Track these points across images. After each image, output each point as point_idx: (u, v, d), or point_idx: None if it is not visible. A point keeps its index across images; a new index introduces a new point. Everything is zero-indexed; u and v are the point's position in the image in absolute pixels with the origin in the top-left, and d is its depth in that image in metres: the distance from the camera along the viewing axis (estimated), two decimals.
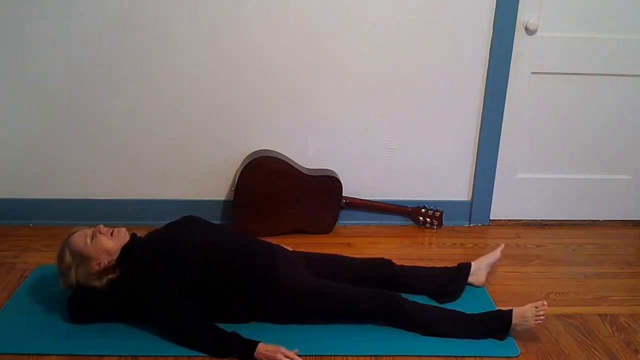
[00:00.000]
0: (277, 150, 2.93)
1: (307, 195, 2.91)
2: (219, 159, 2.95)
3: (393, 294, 2.22)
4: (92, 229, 2.20)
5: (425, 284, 2.41)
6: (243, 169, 2.82)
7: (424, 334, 2.17)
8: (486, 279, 2.52)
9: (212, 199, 3.01)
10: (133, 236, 2.26)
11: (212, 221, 2.43)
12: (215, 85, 2.82)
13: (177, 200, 3.00)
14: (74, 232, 2.21)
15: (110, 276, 2.17)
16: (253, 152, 2.91)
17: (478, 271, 2.49)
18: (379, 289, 2.24)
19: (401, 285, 2.38)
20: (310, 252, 2.46)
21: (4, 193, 2.96)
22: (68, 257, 2.15)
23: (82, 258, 2.14)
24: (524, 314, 2.13)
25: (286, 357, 1.99)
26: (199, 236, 2.24)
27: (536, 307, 2.12)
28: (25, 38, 2.70)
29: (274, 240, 2.47)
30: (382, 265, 2.44)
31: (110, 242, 2.17)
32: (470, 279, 2.48)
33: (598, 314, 2.37)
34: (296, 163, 2.93)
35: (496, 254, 2.53)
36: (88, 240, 2.14)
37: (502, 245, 2.57)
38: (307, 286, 2.21)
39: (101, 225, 2.21)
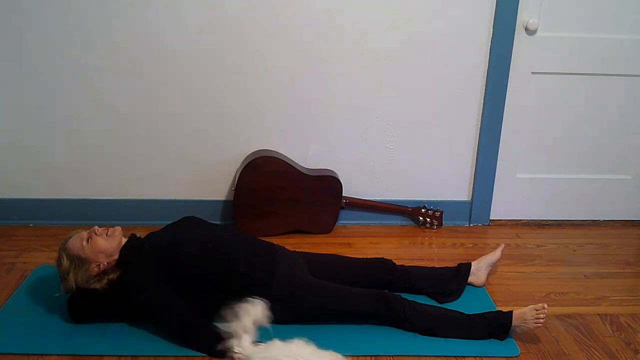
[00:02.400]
0: (277, 150, 2.93)
1: (307, 195, 2.91)
2: (219, 159, 2.95)
3: (393, 295, 2.22)
4: (87, 231, 2.20)
5: (426, 284, 2.41)
6: (243, 169, 2.82)
7: (424, 335, 2.17)
8: (486, 278, 2.52)
9: (212, 199, 3.01)
10: (132, 237, 2.27)
11: (212, 221, 2.43)
12: (215, 85, 2.82)
13: (177, 200, 3.00)
14: (70, 237, 2.20)
15: (110, 277, 2.17)
16: (253, 152, 2.91)
17: (478, 271, 2.49)
18: (379, 290, 2.24)
19: (401, 285, 2.38)
20: (310, 253, 2.47)
21: (4, 193, 2.96)
22: (66, 261, 2.14)
23: (80, 261, 2.14)
24: (523, 316, 2.13)
25: None
26: (199, 237, 2.24)
27: (536, 310, 2.12)
28: (27, 41, 2.70)
29: (274, 241, 2.46)
30: (382, 265, 2.44)
31: (107, 242, 2.17)
32: (471, 279, 2.48)
33: (598, 314, 2.37)
34: (296, 163, 2.93)
35: (496, 254, 2.53)
36: (84, 243, 2.14)
37: (503, 246, 2.57)
38: (307, 287, 2.21)
39: (95, 227, 2.20)
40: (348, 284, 2.27)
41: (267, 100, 2.87)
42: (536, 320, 2.12)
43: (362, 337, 2.16)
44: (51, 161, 2.92)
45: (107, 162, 2.93)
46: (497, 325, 2.16)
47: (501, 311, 2.21)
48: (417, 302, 2.24)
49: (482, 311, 2.24)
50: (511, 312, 2.16)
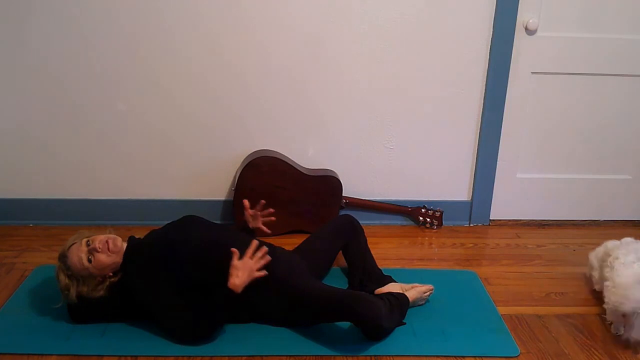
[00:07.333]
0: (277, 150, 2.93)
1: (307, 195, 2.91)
2: (219, 159, 2.95)
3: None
4: (84, 244, 2.13)
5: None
6: (243, 169, 2.82)
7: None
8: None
9: (212, 199, 3.01)
10: (131, 239, 2.26)
11: (212, 221, 2.43)
12: (216, 85, 2.82)
13: (177, 200, 3.00)
14: (67, 249, 2.15)
15: (111, 280, 2.16)
16: (253, 152, 2.91)
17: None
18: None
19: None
20: (306, 246, 2.47)
21: (4, 193, 2.96)
22: (67, 280, 2.11)
23: (83, 278, 2.11)
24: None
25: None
26: (199, 236, 2.24)
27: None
28: (27, 38, 2.70)
29: (274, 241, 2.46)
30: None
31: (110, 258, 2.13)
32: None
33: (598, 314, 2.37)
34: (296, 163, 2.93)
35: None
36: (86, 263, 2.10)
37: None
38: (302, 291, 2.20)
39: (96, 243, 2.13)
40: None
41: (267, 100, 2.87)
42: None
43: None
44: (51, 161, 2.92)
45: (107, 161, 2.93)
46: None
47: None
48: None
49: (481, 311, 2.27)
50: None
